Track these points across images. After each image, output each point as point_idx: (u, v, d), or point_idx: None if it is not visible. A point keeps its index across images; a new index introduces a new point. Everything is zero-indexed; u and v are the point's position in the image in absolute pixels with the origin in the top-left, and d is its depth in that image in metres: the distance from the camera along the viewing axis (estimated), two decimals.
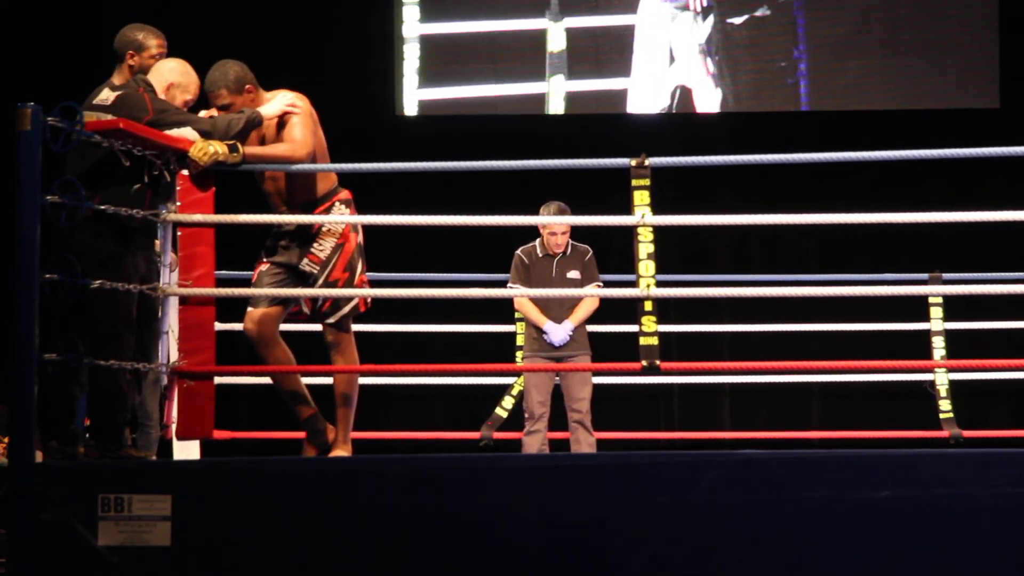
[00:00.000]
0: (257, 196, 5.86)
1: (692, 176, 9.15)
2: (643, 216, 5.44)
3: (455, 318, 8.51)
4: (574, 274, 7.43)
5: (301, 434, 5.89)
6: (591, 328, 7.52)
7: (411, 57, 10.10)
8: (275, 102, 5.68)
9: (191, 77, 5.53)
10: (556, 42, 9.92)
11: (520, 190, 9.15)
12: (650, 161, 5.45)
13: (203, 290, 5.46)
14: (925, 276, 7.75)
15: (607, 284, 7.50)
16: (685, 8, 10.02)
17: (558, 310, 7.40)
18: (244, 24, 10.10)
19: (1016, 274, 7.66)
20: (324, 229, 5.72)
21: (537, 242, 7.50)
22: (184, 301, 5.50)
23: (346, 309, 5.75)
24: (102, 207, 5.17)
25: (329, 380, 5.89)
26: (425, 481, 4.76)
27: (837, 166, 9.48)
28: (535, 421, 7.37)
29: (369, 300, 5.83)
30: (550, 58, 9.99)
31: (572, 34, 10.01)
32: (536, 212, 7.39)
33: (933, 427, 7.83)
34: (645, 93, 9.93)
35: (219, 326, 5.70)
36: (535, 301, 7.39)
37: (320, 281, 5.70)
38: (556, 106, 10.03)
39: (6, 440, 6.25)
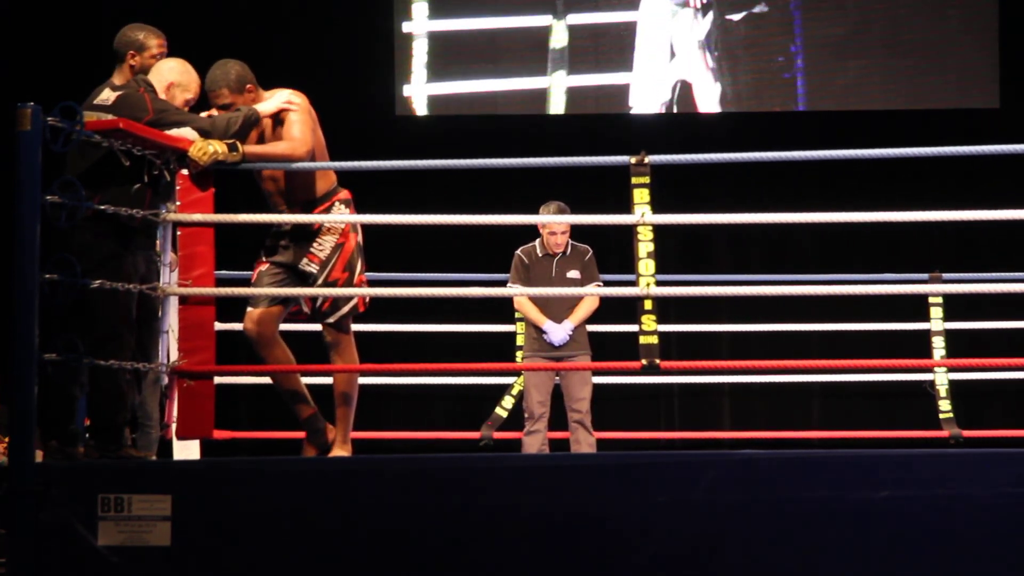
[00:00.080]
0: (257, 196, 5.86)
1: (692, 175, 9.16)
2: (643, 215, 5.44)
3: (455, 318, 8.51)
4: (574, 274, 7.43)
5: (301, 434, 5.89)
6: (591, 328, 7.52)
7: (418, 54, 10.11)
8: (272, 99, 5.68)
9: (191, 76, 5.53)
10: (559, 38, 9.97)
11: (520, 189, 9.15)
12: (650, 159, 5.45)
13: (203, 290, 5.46)
14: (925, 276, 7.75)
15: (607, 283, 7.50)
16: (685, 5, 10.06)
17: (558, 310, 7.40)
18: (244, 24, 10.09)
19: (1016, 274, 7.65)
20: (324, 228, 5.72)
21: (537, 242, 7.51)
22: (184, 301, 5.50)
23: (345, 309, 5.75)
24: (102, 207, 5.17)
25: (329, 380, 5.89)
26: (425, 481, 4.76)
27: (837, 165, 9.48)
28: (535, 421, 7.37)
29: (368, 300, 5.83)
30: (552, 54, 10.03)
31: (575, 31, 10.04)
32: (536, 212, 7.39)
33: (933, 427, 7.83)
34: (646, 88, 9.96)
35: (219, 326, 5.70)
36: (535, 301, 7.39)
37: (320, 281, 5.70)
38: (558, 101, 10.05)
39: (6, 440, 6.24)
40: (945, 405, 7.77)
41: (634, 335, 5.51)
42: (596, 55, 10.06)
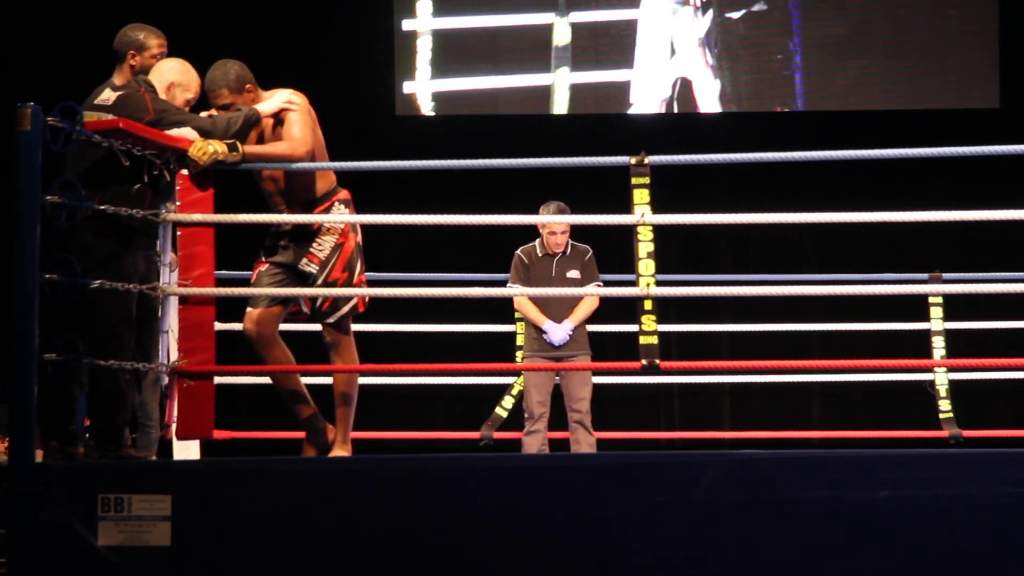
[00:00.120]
0: (257, 196, 5.86)
1: (692, 175, 9.16)
2: (643, 215, 5.44)
3: (455, 318, 8.51)
4: (574, 274, 7.43)
5: (301, 434, 5.89)
6: (591, 328, 7.52)
7: (421, 51, 10.12)
8: (273, 99, 5.68)
9: (192, 76, 5.53)
10: (562, 36, 10.03)
11: (520, 189, 9.14)
12: (650, 159, 5.45)
13: (203, 290, 5.46)
14: (925, 276, 7.75)
15: (607, 283, 7.50)
16: (685, 3, 10.11)
17: (558, 310, 7.40)
18: (244, 23, 10.09)
19: (1016, 274, 7.65)
20: (323, 229, 5.72)
21: (537, 242, 7.51)
22: (184, 301, 5.50)
23: (345, 309, 5.75)
24: (102, 207, 5.17)
25: (329, 380, 5.89)
26: (425, 481, 4.76)
27: (837, 165, 9.48)
28: (535, 421, 7.37)
29: (368, 300, 5.83)
30: (555, 51, 10.07)
31: (577, 28, 10.08)
32: (536, 211, 7.39)
33: (933, 427, 7.83)
34: (647, 85, 10.01)
35: (219, 326, 5.70)
36: (535, 301, 7.39)
37: (319, 281, 5.70)
38: (561, 98, 10.07)
39: (6, 440, 6.24)
40: (945, 405, 7.77)
41: (634, 335, 5.51)
42: (598, 52, 10.10)
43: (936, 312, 7.78)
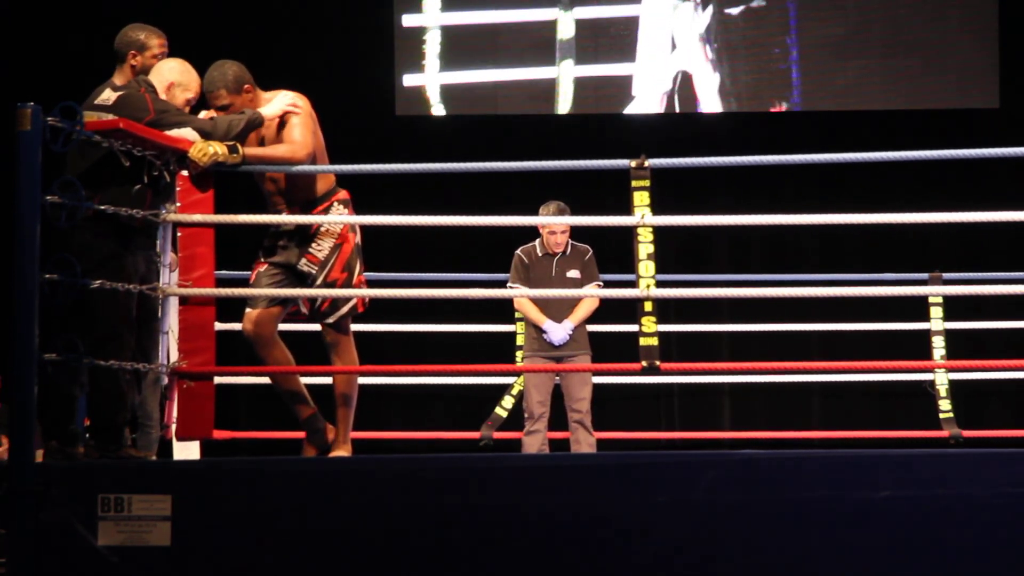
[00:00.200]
0: (257, 196, 5.86)
1: (692, 176, 9.16)
2: (643, 216, 5.44)
3: (455, 318, 8.51)
4: (574, 273, 7.43)
5: (301, 434, 5.89)
6: (591, 328, 7.52)
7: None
8: (275, 102, 5.67)
9: (192, 76, 5.52)
10: (566, 30, 10.11)
11: (521, 190, 9.15)
12: (650, 162, 5.45)
13: (203, 290, 5.46)
14: (925, 276, 7.75)
15: (607, 284, 7.50)
16: None
17: (558, 309, 7.40)
18: (244, 23, 10.09)
19: (1016, 274, 7.66)
20: (322, 229, 5.72)
21: (537, 242, 7.51)
22: (184, 301, 5.50)
23: (344, 309, 5.75)
24: (102, 207, 5.17)
25: (329, 380, 5.89)
26: (425, 481, 4.76)
27: (837, 166, 9.48)
28: (535, 421, 7.37)
29: (368, 300, 5.83)
30: (560, 45, 10.14)
31: (580, 24, 10.14)
32: (536, 212, 7.39)
33: (933, 427, 7.83)
34: (649, 78, 10.08)
35: (219, 326, 5.70)
36: (535, 300, 7.39)
37: (318, 281, 5.70)
38: (566, 89, 10.12)
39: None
40: (945, 405, 7.77)
41: (634, 336, 5.51)
42: (600, 47, 10.16)
43: (936, 312, 7.78)
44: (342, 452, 5.76)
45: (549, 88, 10.17)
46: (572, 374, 7.32)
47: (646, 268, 5.46)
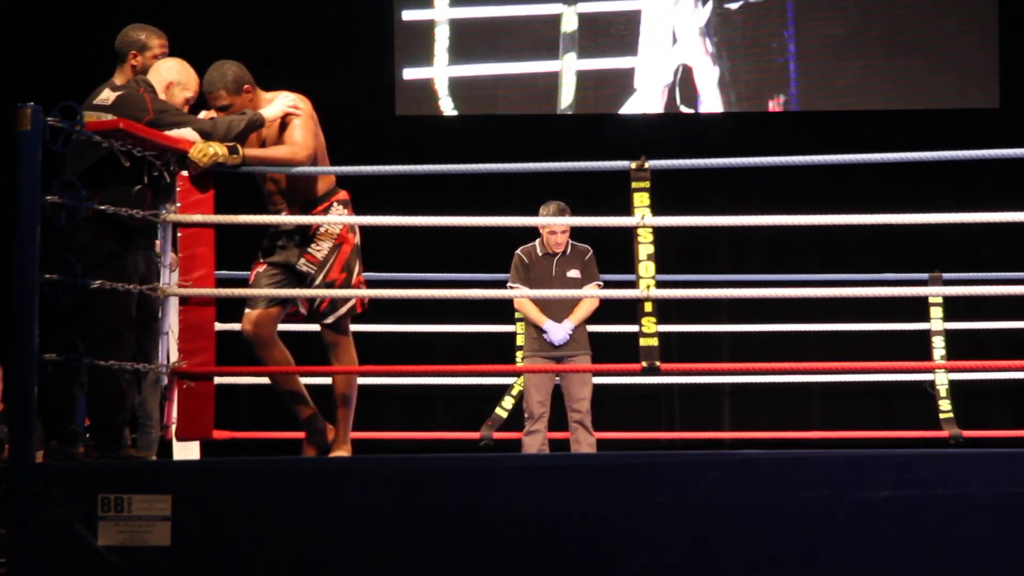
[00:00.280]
0: (257, 196, 5.86)
1: (692, 177, 9.15)
2: (643, 217, 5.45)
3: (455, 318, 8.52)
4: (574, 273, 7.43)
5: (301, 434, 5.89)
6: (591, 328, 7.52)
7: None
8: (276, 104, 5.67)
9: (190, 75, 5.52)
10: (569, 24, 10.15)
11: (521, 190, 9.16)
12: (650, 164, 5.46)
13: (203, 290, 5.46)
14: (925, 276, 7.75)
15: (607, 284, 7.50)
16: None
17: (558, 309, 7.40)
18: (244, 24, 10.09)
19: (1016, 274, 7.66)
20: (322, 230, 5.72)
21: (537, 242, 7.51)
22: (184, 302, 5.50)
23: (343, 310, 5.74)
24: (102, 207, 5.17)
25: (329, 380, 5.89)
26: (425, 481, 4.76)
27: (837, 166, 9.48)
28: (535, 421, 7.37)
29: (366, 301, 5.83)
30: (563, 38, 10.18)
31: (584, 18, 10.18)
32: (536, 212, 7.39)
33: (933, 427, 7.83)
34: (651, 71, 10.13)
35: (219, 326, 5.70)
36: (535, 300, 7.39)
37: (317, 281, 5.70)
38: (568, 82, 10.16)
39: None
40: (945, 405, 7.77)
41: (634, 336, 5.51)
42: (603, 41, 10.20)
43: (936, 312, 7.78)
44: (342, 452, 5.76)
45: (552, 82, 10.19)
46: (572, 374, 7.32)
47: (646, 268, 5.46)
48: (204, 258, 5.48)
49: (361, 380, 5.94)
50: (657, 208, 5.51)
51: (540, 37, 10.21)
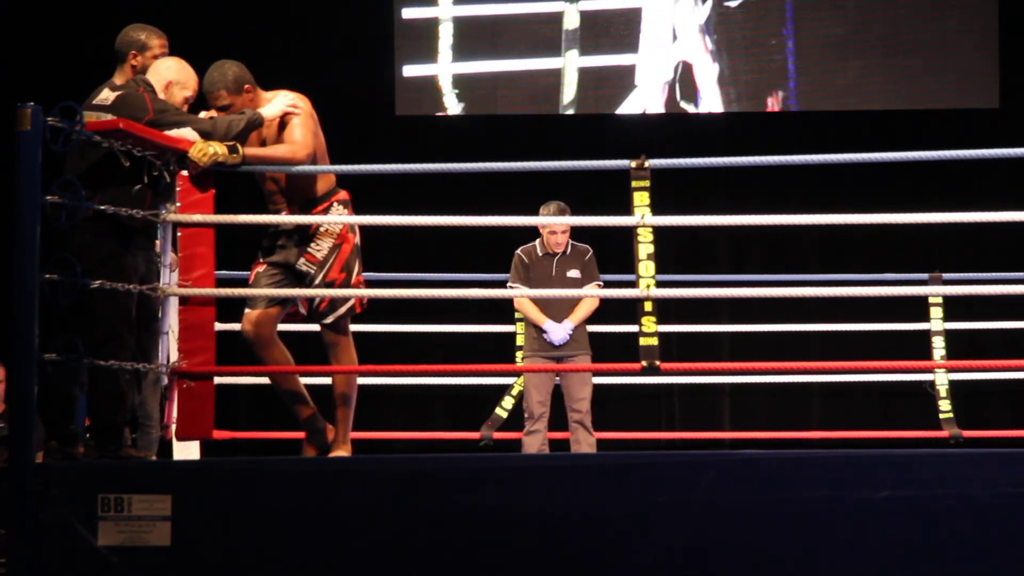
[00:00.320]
0: (257, 196, 5.86)
1: (692, 176, 9.16)
2: (643, 217, 5.45)
3: (455, 318, 8.51)
4: (574, 273, 7.43)
5: (301, 434, 5.89)
6: (591, 328, 7.52)
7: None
8: (276, 103, 5.67)
9: (189, 74, 5.52)
10: (571, 21, 10.19)
11: (521, 189, 9.15)
12: (650, 163, 5.46)
13: (203, 290, 5.46)
14: (925, 276, 7.75)
15: (607, 284, 7.50)
16: None
17: (558, 309, 7.40)
18: (244, 24, 10.09)
19: (1016, 274, 7.66)
20: (321, 229, 5.72)
21: (537, 241, 7.51)
22: (184, 301, 5.50)
23: (342, 310, 5.74)
24: (102, 207, 5.17)
25: (328, 380, 5.89)
26: (425, 481, 4.76)
27: (837, 165, 9.48)
28: (535, 421, 7.37)
29: (366, 301, 5.83)
30: (565, 35, 10.19)
31: (585, 15, 10.21)
32: (536, 212, 7.39)
33: (933, 427, 7.83)
34: (651, 68, 10.16)
35: (219, 326, 5.70)
36: (535, 300, 7.39)
37: (317, 281, 5.69)
38: (570, 80, 10.17)
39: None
40: (945, 405, 7.77)
41: (634, 336, 5.51)
42: (604, 38, 10.23)
43: (936, 312, 7.78)
44: (342, 452, 5.75)
45: (553, 79, 10.20)
46: (572, 374, 7.32)
47: (646, 268, 5.46)
48: (204, 258, 5.48)
49: (361, 380, 5.94)
50: (657, 208, 5.50)
51: (541, 35, 10.22)
